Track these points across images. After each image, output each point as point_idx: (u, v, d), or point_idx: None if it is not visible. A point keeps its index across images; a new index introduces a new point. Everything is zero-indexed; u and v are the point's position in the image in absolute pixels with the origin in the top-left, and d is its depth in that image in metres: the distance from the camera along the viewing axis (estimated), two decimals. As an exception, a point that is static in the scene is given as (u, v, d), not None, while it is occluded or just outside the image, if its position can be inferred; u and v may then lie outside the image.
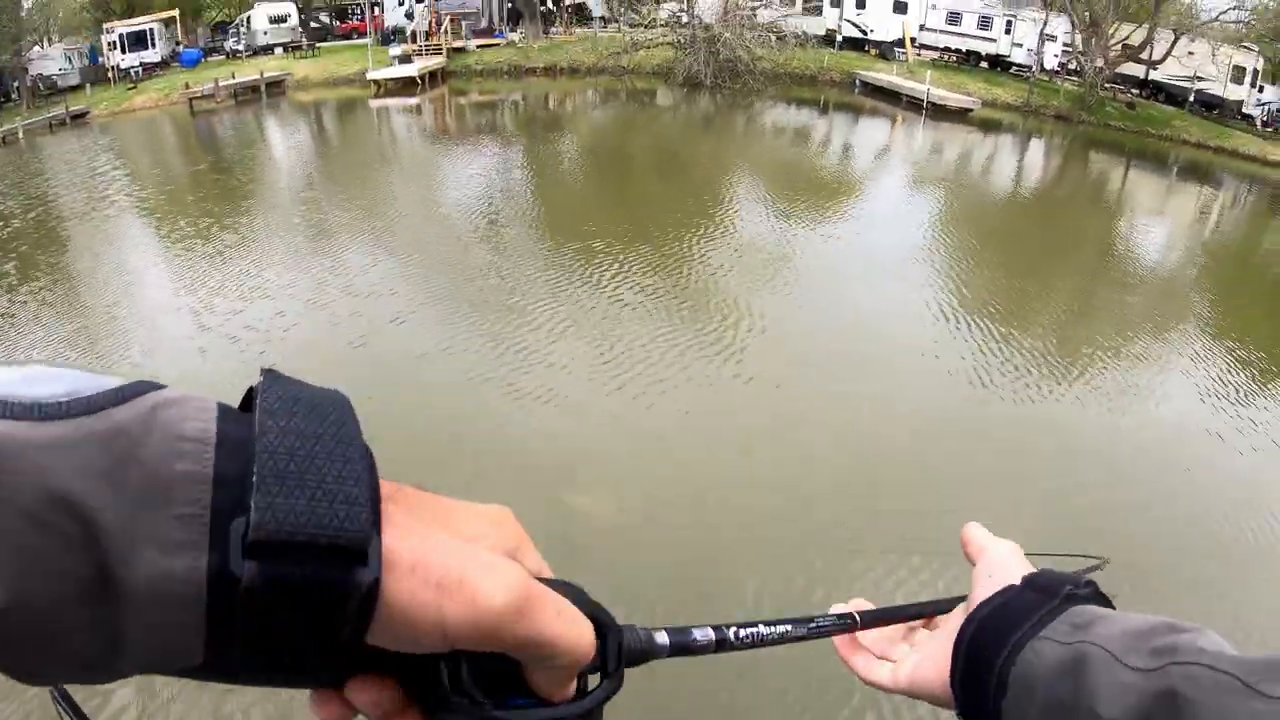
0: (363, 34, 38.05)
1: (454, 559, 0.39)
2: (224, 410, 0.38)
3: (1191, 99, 39.86)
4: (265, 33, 38.58)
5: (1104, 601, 0.68)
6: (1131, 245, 16.71)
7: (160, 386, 0.37)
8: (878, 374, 8.41)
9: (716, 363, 8.38)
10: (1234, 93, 40.78)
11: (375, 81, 29.81)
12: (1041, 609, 0.66)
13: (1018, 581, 0.70)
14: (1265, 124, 43.85)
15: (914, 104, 27.69)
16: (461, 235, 13.02)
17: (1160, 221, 19.46)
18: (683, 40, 29.07)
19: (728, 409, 7.47)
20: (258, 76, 31.61)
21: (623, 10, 34.33)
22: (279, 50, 37.70)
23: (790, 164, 20.29)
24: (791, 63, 29.61)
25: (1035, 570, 0.72)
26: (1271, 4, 40.12)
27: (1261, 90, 43.88)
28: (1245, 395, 9.08)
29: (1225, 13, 39.25)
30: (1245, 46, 40.35)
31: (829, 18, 34.49)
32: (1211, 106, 40.24)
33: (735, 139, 23.78)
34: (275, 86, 32.09)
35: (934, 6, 35.09)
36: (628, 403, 7.50)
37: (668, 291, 10.29)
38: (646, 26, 30.65)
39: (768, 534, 5.76)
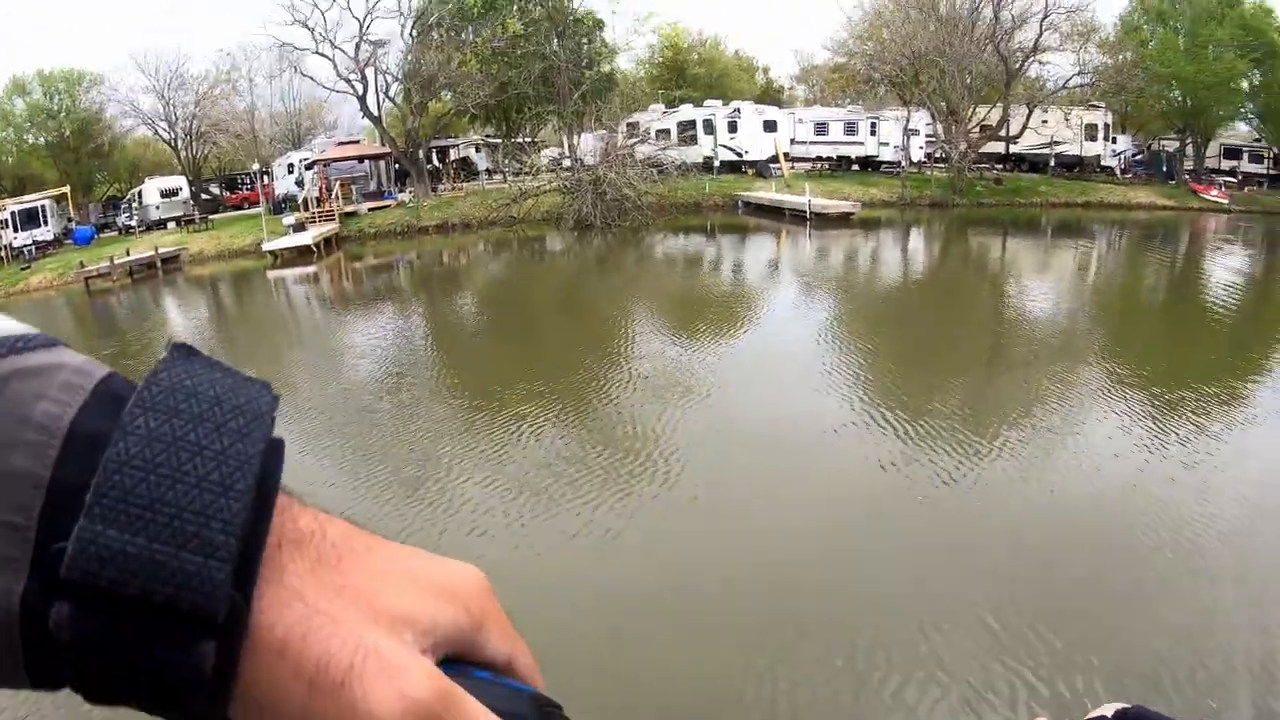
0: (254, 203, 38.43)
1: (344, 648, 0.30)
2: (103, 391, 0.30)
3: (1052, 163, 42.62)
4: (157, 207, 38.61)
5: None
6: (1023, 308, 17.51)
7: (53, 344, 0.31)
8: (819, 493, 8.45)
9: (664, 512, 8.30)
10: (1090, 149, 43.63)
11: (271, 252, 29.92)
12: None
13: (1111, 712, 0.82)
14: (1124, 171, 46.91)
15: (798, 216, 28.64)
16: (385, 411, 12.70)
17: (1045, 280, 20.58)
18: (568, 185, 29.80)
19: (682, 563, 7.38)
20: (153, 253, 31.37)
21: (506, 161, 35.30)
22: (172, 224, 37.63)
23: (687, 291, 20.56)
24: (676, 193, 30.53)
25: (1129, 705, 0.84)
26: (1110, 61, 42.94)
27: (1115, 141, 47.05)
28: (1166, 440, 9.41)
29: (1070, 79, 42.11)
30: (1093, 105, 43.32)
31: (705, 145, 35.76)
32: (1072, 166, 43.09)
33: (630, 274, 24.12)
34: (171, 262, 31.85)
35: (800, 121, 36.81)
36: (586, 577, 7.36)
37: (599, 444, 10.17)
38: (532, 175, 31.36)
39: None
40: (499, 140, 39.23)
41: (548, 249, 28.96)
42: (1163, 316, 17.49)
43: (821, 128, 36.93)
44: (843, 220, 28.41)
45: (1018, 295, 19.01)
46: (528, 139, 37.08)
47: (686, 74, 51.95)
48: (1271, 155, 59.66)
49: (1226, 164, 58.73)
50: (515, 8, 34.02)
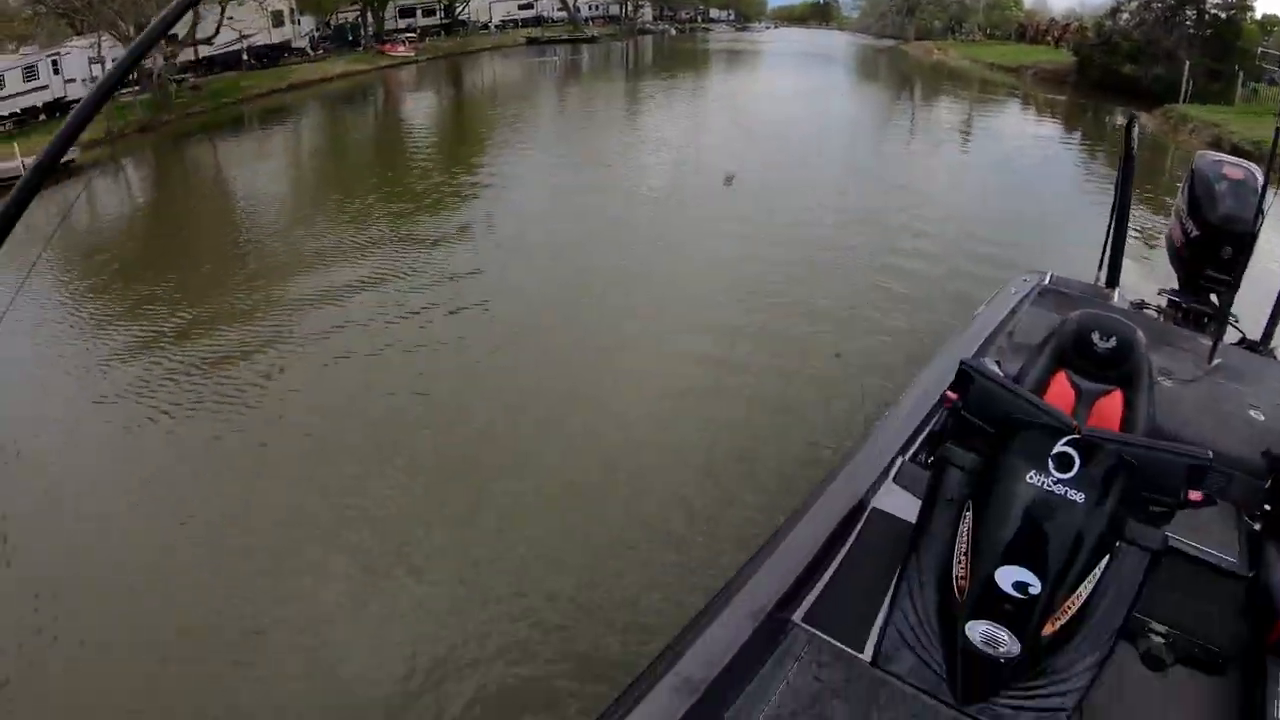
0: None
1: None
2: None
3: (245, 56, 45.19)
4: None
5: None
6: (241, 217, 19.03)
7: None
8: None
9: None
10: (281, 35, 47.87)
11: None
12: None
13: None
14: (314, 49, 52.44)
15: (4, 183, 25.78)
16: None
17: (286, 160, 24.42)
18: None
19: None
20: None
21: None
22: None
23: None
24: None
25: None
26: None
27: (300, 24, 51.99)
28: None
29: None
30: (276, -10, 46.40)
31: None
32: (264, 55, 46.75)
33: None
34: None
35: (-21, 68, 32.27)
36: None
37: None
38: None
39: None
40: None
41: None
42: (382, 154, 22.57)
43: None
44: (64, 172, 24.69)
45: (242, 203, 20.33)
46: None
47: None
48: (442, 7, 71.11)
49: (404, 22, 68.41)
50: None
